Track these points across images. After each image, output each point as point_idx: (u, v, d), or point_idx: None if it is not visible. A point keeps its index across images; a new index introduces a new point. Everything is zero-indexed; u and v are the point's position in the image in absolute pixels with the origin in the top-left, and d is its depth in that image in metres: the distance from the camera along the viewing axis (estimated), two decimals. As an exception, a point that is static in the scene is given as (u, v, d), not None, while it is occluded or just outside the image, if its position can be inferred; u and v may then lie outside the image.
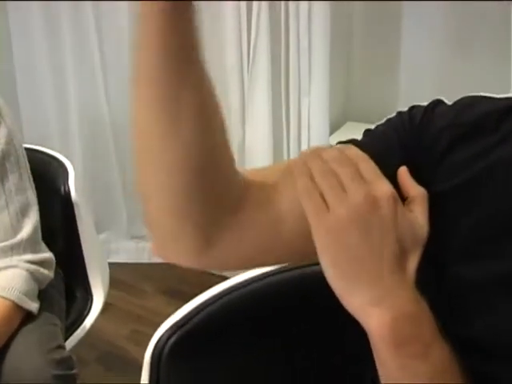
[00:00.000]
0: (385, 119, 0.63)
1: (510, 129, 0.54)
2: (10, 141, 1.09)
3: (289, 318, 0.87)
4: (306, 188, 0.50)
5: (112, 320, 2.06)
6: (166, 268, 2.42)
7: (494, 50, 2.20)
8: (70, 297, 1.34)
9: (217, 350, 0.79)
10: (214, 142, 0.53)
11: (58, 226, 1.32)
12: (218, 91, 1.66)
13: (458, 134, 0.56)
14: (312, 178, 0.51)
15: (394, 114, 0.62)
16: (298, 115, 1.85)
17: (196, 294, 2.38)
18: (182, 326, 0.77)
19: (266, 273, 0.87)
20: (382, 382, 0.50)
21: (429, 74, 2.33)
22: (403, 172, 0.55)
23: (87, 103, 2.22)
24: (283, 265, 0.91)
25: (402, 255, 0.49)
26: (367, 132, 0.62)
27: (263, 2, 1.69)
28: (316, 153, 0.53)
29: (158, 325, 2.21)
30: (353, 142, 0.61)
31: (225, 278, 2.54)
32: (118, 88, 2.19)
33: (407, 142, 0.58)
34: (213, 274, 2.33)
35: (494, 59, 2.18)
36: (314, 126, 1.82)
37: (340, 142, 0.62)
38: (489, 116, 0.56)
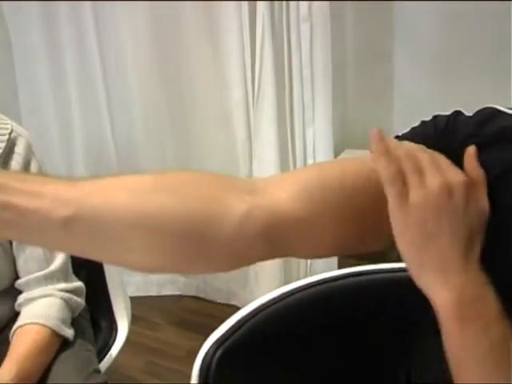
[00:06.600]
0: (409, 128, 0.68)
1: None
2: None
3: (320, 329, 0.92)
4: (390, 174, 0.55)
5: (126, 353, 2.08)
6: (175, 300, 2.46)
7: (486, 72, 2.30)
8: (94, 327, 1.37)
9: (261, 360, 0.83)
10: None
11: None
12: (225, 126, 1.72)
13: (480, 143, 0.62)
14: (392, 159, 0.56)
15: (417, 124, 0.68)
16: (303, 145, 1.91)
17: (206, 324, 2.40)
18: (226, 339, 0.81)
19: (296, 288, 0.93)
20: (447, 352, 0.55)
21: (421, 99, 2.42)
22: (471, 152, 0.59)
23: (92, 133, 2.26)
24: (310, 280, 0.97)
25: (470, 240, 0.55)
26: (395, 139, 0.67)
27: (266, 37, 1.77)
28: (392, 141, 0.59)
29: (172, 356, 2.21)
30: None
31: (234, 307, 2.56)
32: (122, 116, 2.23)
33: (434, 146, 0.63)
34: (220, 304, 2.37)
35: (484, 82, 2.27)
36: (320, 155, 1.89)
37: None
38: (506, 130, 0.62)
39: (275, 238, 0.56)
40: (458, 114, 0.66)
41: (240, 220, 0.54)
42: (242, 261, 0.58)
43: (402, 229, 0.55)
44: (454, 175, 0.56)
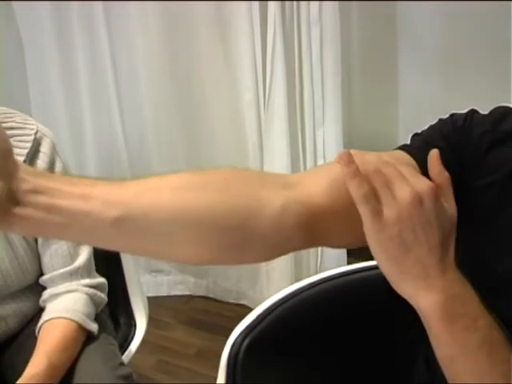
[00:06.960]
0: (428, 125, 0.71)
1: None
2: (65, 174, 1.16)
3: (340, 320, 0.95)
4: (362, 195, 0.57)
5: (138, 351, 2.10)
6: (185, 300, 2.49)
7: (490, 74, 2.32)
8: (113, 323, 1.40)
9: (287, 349, 0.86)
10: None
11: (101, 253, 1.38)
12: (236, 127, 1.76)
13: (497, 138, 0.66)
14: (363, 179, 0.57)
15: (435, 121, 0.71)
16: (313, 145, 1.95)
17: (216, 324, 2.40)
18: (254, 328, 0.84)
19: (315, 282, 0.96)
20: (436, 354, 0.57)
21: (426, 101, 2.44)
22: (434, 156, 0.61)
23: (103, 133, 2.27)
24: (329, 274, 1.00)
25: (444, 243, 0.57)
26: (414, 137, 0.71)
27: (278, 39, 1.79)
28: (357, 157, 0.59)
29: (183, 354, 2.23)
30: (401, 147, 0.69)
31: (243, 307, 2.56)
32: (133, 116, 2.25)
33: (452, 142, 0.67)
34: (230, 303, 2.40)
35: (486, 81, 2.30)
36: (330, 156, 1.92)
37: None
38: None
39: (310, 229, 0.60)
40: (474, 112, 0.70)
41: (277, 213, 0.58)
42: (279, 251, 0.62)
43: (380, 244, 0.57)
44: (421, 183, 0.57)
